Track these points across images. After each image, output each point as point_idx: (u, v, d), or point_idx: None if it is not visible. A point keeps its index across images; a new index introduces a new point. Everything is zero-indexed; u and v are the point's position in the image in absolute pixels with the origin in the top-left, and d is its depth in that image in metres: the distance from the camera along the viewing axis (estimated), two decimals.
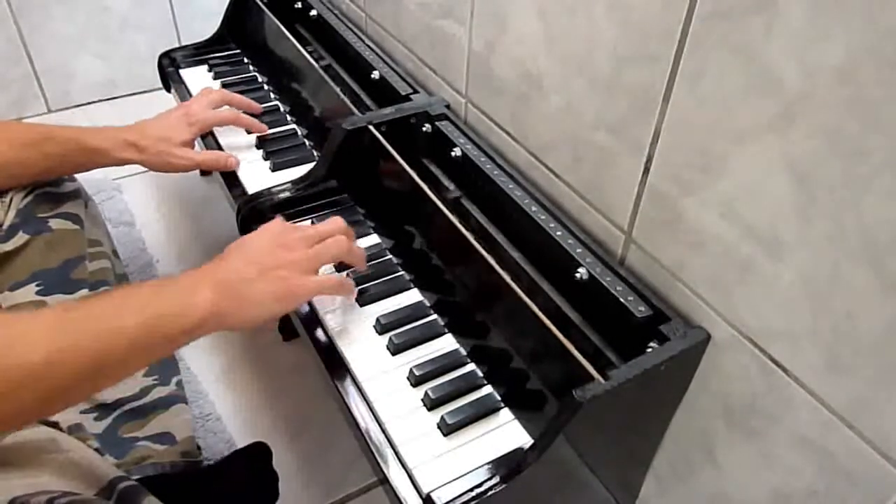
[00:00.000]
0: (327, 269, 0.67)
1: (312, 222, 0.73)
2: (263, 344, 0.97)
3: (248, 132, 0.87)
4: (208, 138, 0.86)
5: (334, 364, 0.60)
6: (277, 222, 0.61)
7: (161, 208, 1.19)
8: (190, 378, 0.90)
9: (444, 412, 0.55)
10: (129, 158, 0.75)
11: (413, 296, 0.66)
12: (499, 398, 0.58)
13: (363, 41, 0.91)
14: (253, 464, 0.73)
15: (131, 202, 1.19)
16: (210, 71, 1.02)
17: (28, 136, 0.71)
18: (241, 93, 0.93)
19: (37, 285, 0.68)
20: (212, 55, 1.05)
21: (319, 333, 0.62)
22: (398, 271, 0.69)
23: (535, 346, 0.56)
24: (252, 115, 0.87)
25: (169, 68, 1.03)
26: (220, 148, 0.84)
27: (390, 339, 0.61)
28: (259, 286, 0.55)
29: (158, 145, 0.76)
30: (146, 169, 0.79)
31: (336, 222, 0.63)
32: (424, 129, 0.76)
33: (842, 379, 0.44)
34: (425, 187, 0.67)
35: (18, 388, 0.44)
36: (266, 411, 0.90)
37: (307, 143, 0.87)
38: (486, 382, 0.59)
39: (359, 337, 0.62)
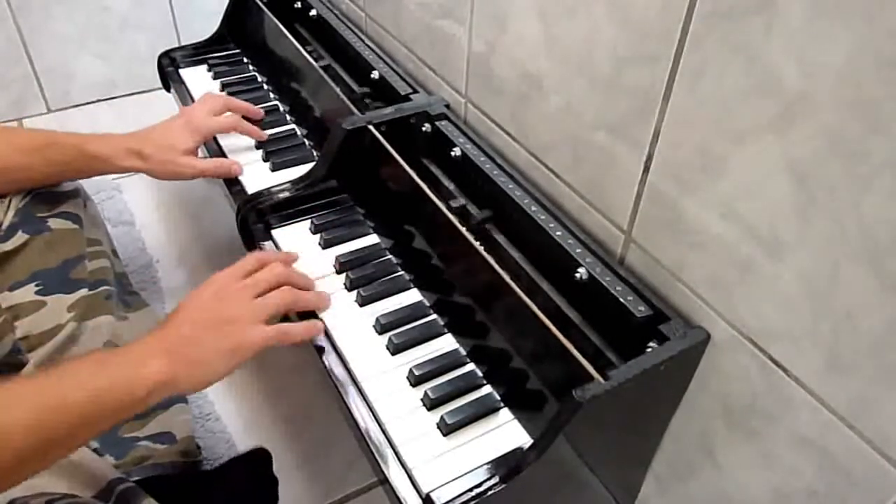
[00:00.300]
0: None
1: (312, 223, 0.73)
2: None
3: None
4: (209, 141, 0.86)
5: (334, 364, 0.59)
6: (219, 275, 0.60)
7: (161, 208, 1.19)
8: None
9: (444, 412, 0.55)
10: (132, 167, 0.75)
11: (413, 296, 0.66)
12: (498, 398, 0.58)
13: (363, 41, 0.91)
14: (253, 469, 0.74)
15: (131, 202, 1.19)
16: (210, 71, 1.02)
17: (32, 142, 0.71)
18: (240, 93, 0.93)
19: (36, 285, 0.68)
20: (211, 55, 1.05)
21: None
22: (398, 271, 0.69)
23: (534, 346, 0.56)
24: (254, 118, 0.87)
25: (169, 68, 1.03)
26: (220, 149, 0.84)
27: (390, 339, 0.61)
28: (208, 346, 0.54)
29: (162, 154, 0.76)
30: (148, 176, 0.78)
31: (275, 267, 0.61)
32: (424, 129, 0.76)
33: (842, 379, 0.44)
34: (425, 187, 0.67)
35: None
36: (266, 411, 0.90)
37: (307, 143, 0.87)
38: (485, 382, 0.59)
39: (359, 337, 0.62)
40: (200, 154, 0.82)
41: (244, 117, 0.85)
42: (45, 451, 0.48)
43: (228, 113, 0.84)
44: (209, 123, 0.81)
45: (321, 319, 0.63)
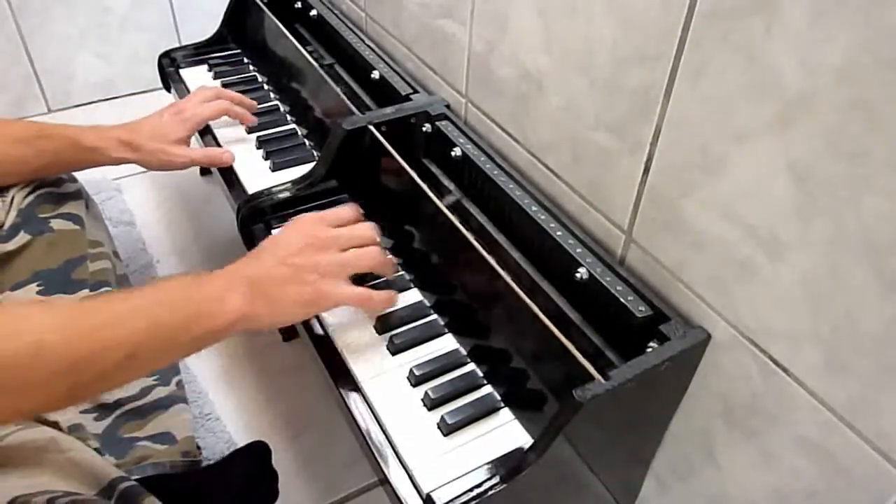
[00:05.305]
0: None
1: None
2: (263, 344, 0.97)
3: (249, 132, 0.87)
4: (208, 138, 0.86)
5: (334, 364, 0.60)
6: (310, 217, 0.61)
7: (161, 208, 1.19)
8: (190, 378, 0.91)
9: (444, 412, 0.55)
10: (124, 157, 0.75)
11: (413, 296, 0.66)
12: (499, 398, 0.58)
13: (363, 41, 0.91)
14: (252, 463, 0.74)
15: (131, 202, 1.19)
16: (210, 71, 1.02)
17: (22, 133, 0.71)
18: (240, 93, 0.93)
19: (38, 285, 0.68)
20: (212, 55, 1.05)
21: (319, 333, 0.62)
22: (398, 271, 0.69)
23: (535, 345, 0.56)
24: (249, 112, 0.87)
25: (169, 68, 1.03)
26: (218, 145, 0.84)
27: (390, 339, 0.61)
28: (290, 289, 0.55)
29: (153, 143, 0.76)
30: (144, 169, 0.79)
31: (368, 227, 0.62)
32: (424, 128, 0.76)
33: (842, 379, 0.44)
34: (425, 187, 0.67)
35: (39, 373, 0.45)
36: (266, 411, 0.90)
37: (307, 143, 0.87)
38: (485, 382, 0.59)
39: (359, 337, 0.62)
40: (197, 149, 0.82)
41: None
42: (128, 368, 0.49)
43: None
44: (200, 111, 0.81)
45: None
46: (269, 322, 0.55)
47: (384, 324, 0.62)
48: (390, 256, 0.67)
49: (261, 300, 0.53)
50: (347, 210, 0.63)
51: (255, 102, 0.89)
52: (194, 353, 0.53)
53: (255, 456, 0.74)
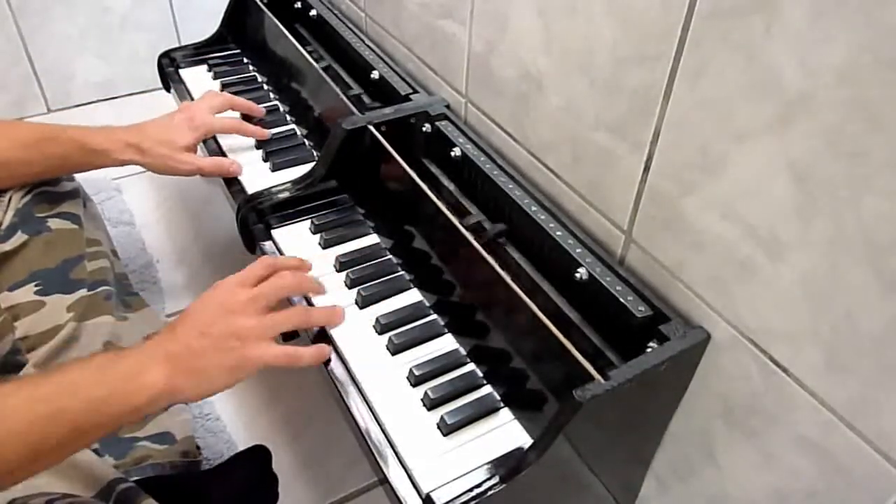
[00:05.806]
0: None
1: (312, 223, 0.73)
2: None
3: None
4: (209, 141, 0.86)
5: (334, 364, 0.59)
6: (226, 283, 0.58)
7: (161, 208, 1.19)
8: None
9: (444, 412, 0.55)
10: (130, 160, 0.75)
11: (413, 296, 0.66)
12: (498, 398, 0.58)
13: (363, 41, 0.91)
14: (253, 467, 0.74)
15: (131, 202, 1.19)
16: (210, 71, 1.02)
17: (30, 136, 0.71)
18: (240, 93, 0.93)
19: (35, 285, 0.68)
20: (211, 55, 1.05)
21: (319, 333, 0.62)
22: (398, 271, 0.69)
23: (534, 346, 0.56)
24: (255, 117, 0.87)
25: (169, 68, 1.02)
26: (220, 148, 0.84)
27: (390, 339, 0.61)
28: (212, 359, 0.53)
29: (160, 148, 0.76)
30: (146, 170, 0.78)
31: (289, 275, 0.60)
32: (424, 129, 0.76)
33: (842, 379, 0.44)
34: (425, 187, 0.67)
35: None
36: (266, 411, 0.90)
37: (307, 143, 0.87)
38: (485, 382, 0.59)
39: (359, 337, 0.62)
40: (199, 152, 0.81)
41: (245, 116, 0.86)
42: (35, 460, 0.48)
43: (230, 112, 0.84)
44: (210, 121, 0.80)
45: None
46: (194, 395, 0.53)
47: (384, 324, 0.62)
48: (331, 307, 0.62)
49: (182, 374, 0.52)
50: (259, 267, 0.60)
51: (263, 110, 0.88)
52: (110, 432, 0.51)
53: (257, 460, 0.74)
